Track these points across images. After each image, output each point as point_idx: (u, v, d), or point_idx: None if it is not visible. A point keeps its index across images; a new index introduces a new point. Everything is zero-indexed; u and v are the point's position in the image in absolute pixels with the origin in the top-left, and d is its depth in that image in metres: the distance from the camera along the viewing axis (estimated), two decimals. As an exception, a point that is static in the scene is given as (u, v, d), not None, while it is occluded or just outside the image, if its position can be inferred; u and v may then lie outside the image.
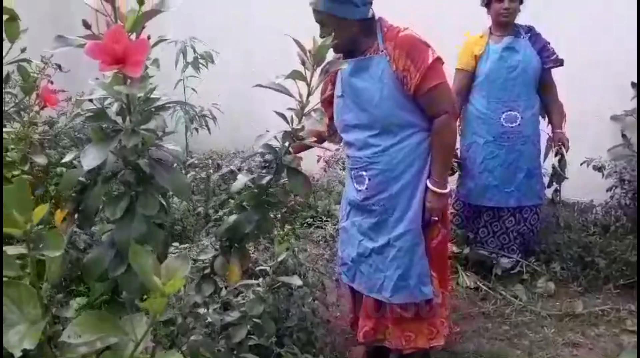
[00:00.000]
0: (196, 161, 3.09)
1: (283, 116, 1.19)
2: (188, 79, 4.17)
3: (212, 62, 3.97)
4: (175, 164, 0.94)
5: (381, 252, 2.10)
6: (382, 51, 1.96)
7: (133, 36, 0.86)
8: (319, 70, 1.11)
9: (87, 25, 0.80)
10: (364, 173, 2.07)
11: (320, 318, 2.23)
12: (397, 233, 2.07)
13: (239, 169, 2.29)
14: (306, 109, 1.16)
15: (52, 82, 2.16)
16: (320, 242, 3.55)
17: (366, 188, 2.08)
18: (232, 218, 1.20)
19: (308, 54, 1.11)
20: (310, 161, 3.97)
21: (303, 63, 1.12)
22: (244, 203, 1.20)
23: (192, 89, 4.23)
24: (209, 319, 1.39)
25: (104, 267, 0.89)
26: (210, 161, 2.86)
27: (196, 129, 4.16)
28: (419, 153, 2.04)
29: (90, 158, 0.78)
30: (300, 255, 2.15)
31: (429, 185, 2.04)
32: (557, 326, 2.81)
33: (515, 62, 3.00)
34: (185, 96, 4.26)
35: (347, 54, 2.00)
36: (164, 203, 1.04)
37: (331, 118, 2.19)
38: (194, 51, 4.05)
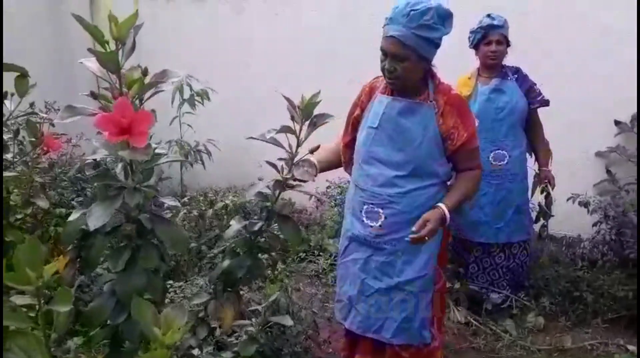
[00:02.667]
0: (187, 200, 3.14)
1: (274, 165, 1.26)
2: (184, 116, 4.27)
3: (208, 99, 4.08)
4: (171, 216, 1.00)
5: (386, 293, 2.07)
6: (432, 101, 2.01)
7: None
8: (307, 123, 1.19)
9: (94, 96, 0.87)
10: (380, 210, 2.04)
11: (312, 357, 2.26)
12: (408, 278, 2.05)
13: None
14: (296, 159, 1.23)
15: (53, 125, 2.23)
16: (313, 277, 3.58)
17: (380, 226, 2.05)
18: (225, 263, 1.26)
19: (297, 109, 1.19)
20: (304, 196, 4.03)
21: (292, 118, 1.20)
22: (236, 249, 1.26)
23: (188, 125, 4.32)
24: (203, 360, 1.43)
25: (106, 316, 0.94)
26: (202, 197, 2.91)
27: (191, 164, 4.23)
28: (435, 202, 2.06)
29: (96, 217, 0.85)
30: (292, 293, 2.18)
31: (441, 204, 2.00)
32: (547, 361, 2.85)
33: (503, 104, 3.10)
34: (181, 131, 4.35)
35: (401, 92, 2.03)
36: (162, 251, 1.10)
37: (350, 143, 2.20)
38: (190, 88, 4.16)
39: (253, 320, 1.65)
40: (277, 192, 1.26)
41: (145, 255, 0.91)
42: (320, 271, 3.67)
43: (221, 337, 1.68)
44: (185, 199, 3.24)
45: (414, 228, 1.91)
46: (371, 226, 2.06)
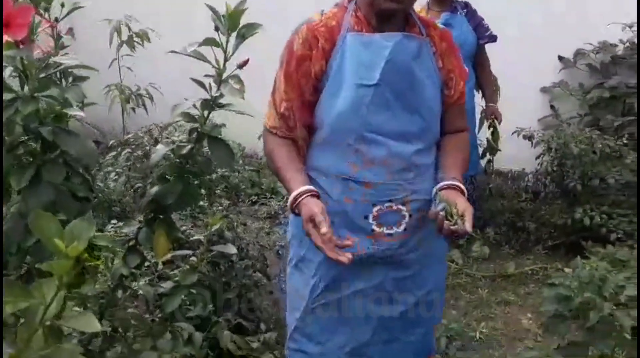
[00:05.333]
0: (131, 138, 3.02)
1: (201, 83, 1.20)
2: (123, 58, 4.05)
3: (148, 40, 3.87)
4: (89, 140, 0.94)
5: (400, 319, 1.54)
6: (425, 36, 1.44)
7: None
8: (234, 35, 1.12)
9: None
10: (403, 208, 1.41)
11: (263, 290, 2.27)
12: (429, 287, 1.55)
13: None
14: (224, 76, 1.17)
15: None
16: (265, 219, 3.59)
17: (405, 229, 1.43)
18: (154, 189, 1.20)
19: (222, 18, 1.11)
20: (253, 140, 3.97)
21: (216, 28, 1.13)
22: (166, 174, 1.21)
23: (128, 68, 4.12)
24: (141, 292, 1.40)
25: (17, 238, 0.88)
26: (147, 136, 2.79)
27: (133, 109, 4.06)
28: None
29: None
30: (239, 228, 2.15)
31: (459, 184, 1.41)
32: (490, 286, 2.98)
33: (454, 38, 3.08)
34: (120, 75, 4.14)
35: (390, 24, 1.39)
36: (87, 176, 1.04)
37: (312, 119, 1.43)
38: (129, 29, 3.93)
39: (198, 251, 1.62)
40: (206, 112, 1.20)
41: (51, 169, 0.84)
42: (273, 213, 3.67)
43: (163, 271, 1.65)
44: (129, 136, 3.10)
45: (467, 226, 1.28)
46: (390, 235, 1.42)
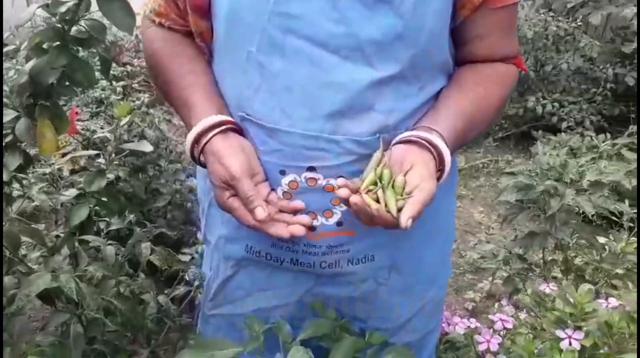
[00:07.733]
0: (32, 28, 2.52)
1: None
2: None
3: None
4: None
5: None
6: None
7: None
8: None
9: None
10: (335, 183, 0.76)
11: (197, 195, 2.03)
12: (407, 316, 0.95)
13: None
14: None
15: None
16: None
17: (339, 224, 0.80)
18: (29, 65, 0.89)
19: None
20: None
21: None
22: (43, 44, 0.89)
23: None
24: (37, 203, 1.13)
25: None
26: None
27: None
28: None
29: None
30: (162, 125, 1.84)
31: (433, 137, 0.74)
32: (441, 182, 2.89)
33: None
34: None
35: None
36: None
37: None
38: None
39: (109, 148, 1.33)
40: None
41: None
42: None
43: (72, 179, 1.37)
44: (26, 22, 2.60)
45: (403, 214, 0.67)
46: (313, 228, 0.79)
